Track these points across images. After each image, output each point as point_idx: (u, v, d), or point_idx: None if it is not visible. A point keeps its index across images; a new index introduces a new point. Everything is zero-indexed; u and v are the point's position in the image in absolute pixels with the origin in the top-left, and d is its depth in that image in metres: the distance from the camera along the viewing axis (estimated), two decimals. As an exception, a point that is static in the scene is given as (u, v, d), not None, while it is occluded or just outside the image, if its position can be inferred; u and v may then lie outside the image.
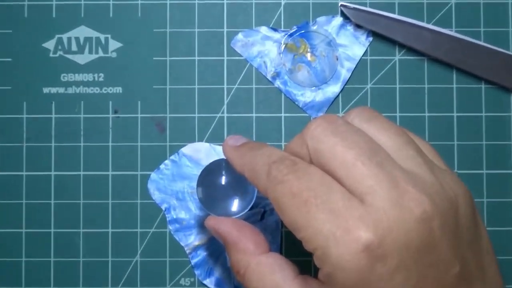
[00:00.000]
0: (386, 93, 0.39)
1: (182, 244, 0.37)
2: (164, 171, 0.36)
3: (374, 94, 0.39)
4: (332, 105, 0.40)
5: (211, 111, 0.39)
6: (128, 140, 0.39)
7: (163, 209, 0.37)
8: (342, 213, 0.19)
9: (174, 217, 0.36)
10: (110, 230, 0.38)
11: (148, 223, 0.39)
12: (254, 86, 0.39)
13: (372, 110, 0.24)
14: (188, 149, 0.37)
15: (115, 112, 0.39)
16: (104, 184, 0.38)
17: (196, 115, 0.39)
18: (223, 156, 0.32)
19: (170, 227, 0.36)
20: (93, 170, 0.39)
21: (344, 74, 0.39)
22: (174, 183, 0.36)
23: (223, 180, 0.31)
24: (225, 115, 0.39)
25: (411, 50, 0.39)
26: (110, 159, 0.39)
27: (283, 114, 0.39)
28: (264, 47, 0.39)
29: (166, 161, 0.37)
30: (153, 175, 0.37)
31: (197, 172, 0.35)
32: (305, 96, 0.39)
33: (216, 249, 0.36)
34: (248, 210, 0.32)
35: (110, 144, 0.39)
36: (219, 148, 0.36)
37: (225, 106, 0.39)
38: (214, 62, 0.39)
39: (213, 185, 0.31)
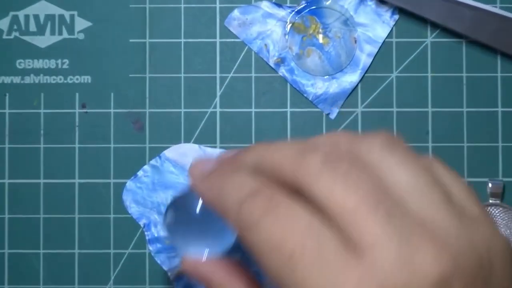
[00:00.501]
0: (415, 83, 0.36)
1: (165, 268, 0.34)
2: (143, 179, 0.34)
3: (400, 84, 0.36)
4: (349, 98, 0.36)
5: (200, 106, 0.36)
6: (98, 141, 0.35)
7: (142, 225, 0.34)
8: (337, 272, 0.16)
9: (155, 235, 0.33)
10: (76, 251, 0.35)
11: (124, 242, 0.36)
12: (253, 74, 0.36)
13: (395, 138, 0.20)
14: (172, 152, 0.34)
15: (83, 106, 0.36)
16: (69, 194, 0.36)
17: (182, 110, 0.36)
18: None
19: (150, 247, 0.34)
20: (56, 178, 0.36)
21: (364, 60, 0.36)
22: (155, 193, 0.34)
23: (200, 207, 0.25)
24: (218, 110, 0.36)
25: (446, 31, 0.36)
26: (76, 164, 0.35)
27: (288, 109, 0.36)
28: (265, 26, 0.36)
29: (145, 167, 0.34)
30: (130, 184, 0.34)
31: (184, 180, 0.33)
32: (316, 87, 0.36)
33: None
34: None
35: (77, 145, 0.36)
36: (211, 151, 0.34)
37: (217, 100, 0.36)
38: (204, 45, 0.36)
39: (186, 211, 0.25)
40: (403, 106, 0.36)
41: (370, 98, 0.37)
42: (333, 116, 0.36)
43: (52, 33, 0.36)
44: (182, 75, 0.36)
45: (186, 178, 0.34)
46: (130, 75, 0.36)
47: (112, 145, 0.36)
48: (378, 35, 0.36)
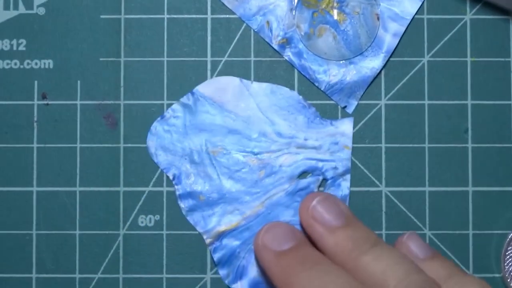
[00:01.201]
0: (451, 70, 0.31)
1: (199, 229, 0.30)
2: (172, 120, 0.30)
3: (433, 70, 0.31)
4: (370, 87, 0.31)
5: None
6: (62, 139, 0.30)
7: (171, 177, 0.30)
8: None
9: (188, 189, 0.29)
10: (34, 275, 0.30)
11: (92, 266, 0.30)
12: (252, 58, 0.31)
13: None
14: (207, 87, 0.30)
15: (43, 97, 0.31)
16: (25, 206, 0.30)
17: (165, 102, 0.31)
18: (262, 96, 0.29)
19: (182, 204, 0.29)
20: (9, 185, 0.30)
21: (389, 41, 0.31)
22: (187, 138, 0.29)
23: None
24: (209, 102, 0.31)
25: (489, 6, 0.31)
26: (34, 169, 0.30)
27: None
28: (267, 0, 0.31)
29: (175, 106, 0.30)
30: (156, 126, 0.30)
31: (222, 121, 0.29)
32: (330, 74, 0.30)
33: (252, 236, 0.29)
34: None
35: (35, 145, 0.31)
36: (257, 86, 0.30)
37: None
38: (192, 23, 0.31)
39: None
40: (437, 98, 0.30)
41: (396, 87, 0.31)
42: (350, 110, 0.31)
43: (6, 7, 0.31)
44: (165, 59, 0.31)
45: (225, 118, 0.30)
46: (101, 59, 0.31)
47: (78, 145, 0.31)
48: (406, 10, 0.31)
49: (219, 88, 0.30)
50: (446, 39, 0.31)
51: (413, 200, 0.30)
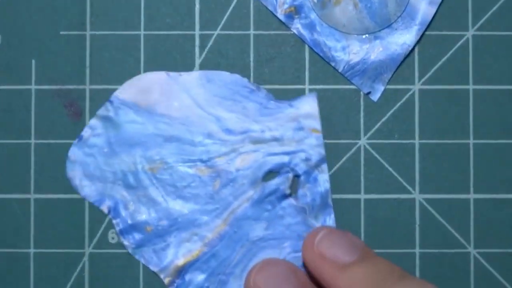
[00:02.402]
0: (502, 47, 0.27)
1: (153, 268, 0.26)
2: (92, 140, 0.27)
3: (480, 49, 0.27)
4: (400, 68, 0.27)
5: None
6: (12, 133, 0.27)
7: (106, 211, 0.27)
8: None
9: (129, 221, 0.27)
10: None
11: None
12: (252, 32, 0.27)
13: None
14: (127, 91, 0.27)
15: None
16: None
17: None
18: (197, 89, 0.27)
19: (125, 241, 0.26)
20: None
21: (424, 10, 0.27)
22: (115, 157, 0.27)
23: None
24: (197, 86, 0.28)
25: None
26: None
27: (307, 86, 0.27)
28: None
29: (92, 121, 0.27)
30: (74, 152, 0.27)
31: (155, 129, 0.27)
32: (350, 51, 0.27)
33: (221, 263, 0.27)
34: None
35: None
36: (188, 77, 0.27)
37: (197, 69, 0.27)
38: None
39: None
40: (484, 82, 0.26)
41: (433, 69, 0.26)
42: (375, 97, 0.26)
43: None
44: (142, 32, 0.27)
45: (157, 125, 0.27)
46: (61, 33, 0.27)
47: (32, 141, 0.27)
48: (446, -29, 0.27)
49: (142, 89, 0.27)
50: (495, 7, 0.26)
51: (454, 211, 0.26)
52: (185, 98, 0.27)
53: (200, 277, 0.27)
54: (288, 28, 0.26)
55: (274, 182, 0.26)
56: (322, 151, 0.26)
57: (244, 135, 0.26)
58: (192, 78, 0.27)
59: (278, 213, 0.26)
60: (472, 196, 0.26)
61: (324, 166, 0.26)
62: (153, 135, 0.27)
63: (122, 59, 0.27)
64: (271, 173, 0.26)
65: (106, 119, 0.27)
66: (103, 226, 0.26)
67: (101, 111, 0.27)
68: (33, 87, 0.27)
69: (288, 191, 0.26)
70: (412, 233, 0.26)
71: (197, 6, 0.26)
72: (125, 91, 0.27)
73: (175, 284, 0.26)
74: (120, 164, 0.27)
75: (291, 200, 0.26)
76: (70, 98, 0.27)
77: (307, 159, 0.26)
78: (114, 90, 0.27)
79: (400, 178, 0.26)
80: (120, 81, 0.27)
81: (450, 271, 0.25)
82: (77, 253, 0.26)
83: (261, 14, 0.26)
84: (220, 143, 0.26)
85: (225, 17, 0.27)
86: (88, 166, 0.27)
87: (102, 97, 0.27)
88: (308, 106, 0.26)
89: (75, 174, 0.27)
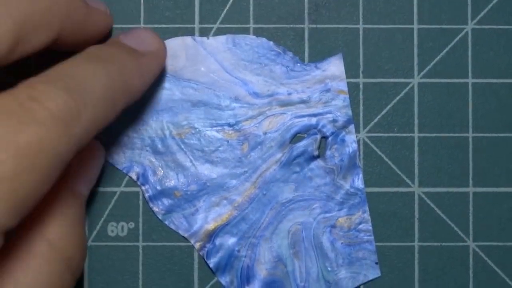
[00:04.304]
0: (502, 40, 0.26)
1: (184, 234, 0.26)
2: None
3: (480, 41, 0.26)
4: (400, 60, 0.26)
5: None
6: None
7: (135, 177, 0.26)
8: None
9: (158, 187, 0.26)
10: None
11: None
12: (251, 25, 0.26)
13: None
14: None
15: None
16: None
17: None
18: (223, 53, 0.26)
19: (155, 207, 0.26)
20: None
21: None
22: (143, 124, 0.27)
23: None
24: (197, 80, 0.28)
25: None
26: None
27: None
28: None
29: None
30: None
31: (182, 95, 0.26)
32: None
33: (251, 227, 0.27)
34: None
35: None
36: (215, 41, 0.26)
37: None
38: None
39: None
40: (484, 76, 0.26)
41: (433, 63, 0.26)
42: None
43: None
44: (142, 25, 0.26)
45: (184, 90, 0.26)
46: None
47: None
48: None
49: (168, 54, 0.26)
50: (495, 1, 0.26)
51: (454, 204, 0.25)
52: (211, 63, 0.26)
53: (230, 241, 0.26)
54: (288, 22, 0.26)
55: (302, 144, 0.26)
56: (349, 112, 0.26)
57: (271, 98, 0.26)
58: (218, 42, 0.26)
59: (307, 174, 0.26)
60: (471, 189, 0.25)
61: (352, 127, 0.26)
62: (180, 100, 0.27)
63: (121, 52, 0.26)
64: (298, 135, 0.26)
65: None
66: (103, 219, 0.25)
67: None
68: (32, 80, 0.26)
69: (316, 153, 0.26)
70: (411, 227, 0.25)
71: (197, 0, 0.26)
72: None
73: (206, 249, 0.26)
74: (148, 130, 0.27)
75: (319, 162, 0.26)
76: (70, 92, 0.26)
77: (334, 121, 0.26)
78: (114, 83, 0.26)
79: (399, 172, 0.25)
80: (120, 75, 0.26)
81: (449, 265, 0.25)
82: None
83: (261, 8, 0.26)
84: (247, 106, 0.26)
85: (225, 11, 0.26)
86: (118, 131, 0.26)
87: (102, 91, 0.26)
88: (335, 67, 0.26)
89: (105, 139, 0.26)
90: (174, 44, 0.26)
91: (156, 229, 0.25)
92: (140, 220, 0.25)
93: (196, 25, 0.26)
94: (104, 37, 0.24)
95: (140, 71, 0.22)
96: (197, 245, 0.26)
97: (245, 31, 0.26)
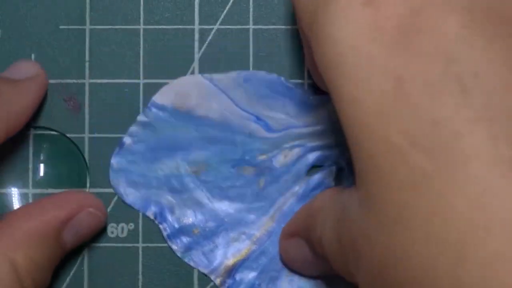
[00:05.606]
0: None
1: (205, 270, 0.27)
2: (134, 147, 0.27)
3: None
4: None
5: (169, 75, 0.28)
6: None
7: (152, 216, 0.27)
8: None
9: (176, 225, 0.27)
10: None
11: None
12: (251, 26, 0.28)
13: None
14: (165, 95, 0.27)
15: None
16: None
17: (141, 81, 0.28)
18: (234, 89, 0.27)
19: (174, 246, 0.27)
20: None
21: None
22: (158, 163, 0.27)
23: None
24: (197, 81, 0.29)
25: None
26: None
27: (306, 81, 0.28)
28: None
29: (132, 128, 0.27)
30: (117, 161, 0.27)
31: (196, 132, 0.28)
32: None
33: (270, 261, 0.27)
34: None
35: None
36: (225, 78, 0.27)
37: (195, 65, 0.28)
38: None
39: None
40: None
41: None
42: None
43: None
44: (141, 27, 0.27)
45: (198, 128, 0.27)
46: (61, 27, 0.28)
47: (31, 133, 0.27)
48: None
49: (179, 93, 0.27)
50: None
51: None
52: (223, 99, 0.27)
53: (251, 275, 0.27)
54: (288, 23, 0.27)
55: (318, 176, 0.27)
56: None
57: (285, 132, 0.27)
58: (229, 78, 0.27)
59: None
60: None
61: None
62: (194, 138, 0.27)
63: (121, 53, 0.27)
64: (315, 167, 0.27)
65: (145, 125, 0.27)
66: None
67: (140, 117, 0.27)
68: (32, 81, 0.27)
69: (333, 184, 0.27)
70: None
71: (197, 1, 0.27)
72: (163, 96, 0.27)
73: (227, 284, 0.27)
74: (163, 168, 0.28)
75: None
76: (70, 92, 0.27)
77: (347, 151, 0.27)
78: (114, 84, 0.27)
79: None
80: (120, 76, 0.27)
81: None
82: (76, 247, 0.26)
83: (260, 9, 0.27)
84: (262, 141, 0.27)
85: (225, 12, 0.27)
86: (132, 173, 0.27)
87: (101, 91, 0.27)
88: None
89: (119, 182, 0.27)
90: (184, 82, 0.27)
91: (156, 230, 0.26)
92: (140, 221, 0.26)
93: (196, 26, 0.27)
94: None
95: (19, 96, 0.24)
96: (217, 281, 0.27)
97: (245, 32, 0.27)
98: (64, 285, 0.26)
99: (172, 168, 0.27)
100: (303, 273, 0.26)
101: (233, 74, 0.27)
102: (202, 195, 0.27)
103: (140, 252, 0.26)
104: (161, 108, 0.27)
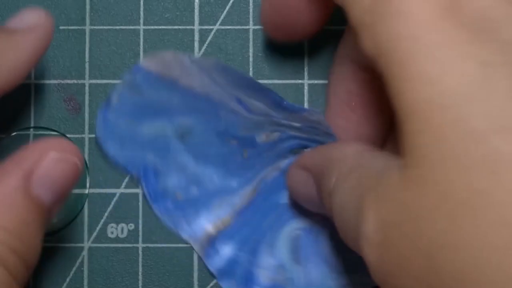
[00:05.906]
0: None
1: (185, 236, 0.27)
2: (120, 106, 0.27)
3: None
4: None
5: None
6: (13, 128, 0.28)
7: (135, 176, 0.27)
8: None
9: (160, 188, 0.27)
10: None
11: None
12: (251, 27, 0.28)
13: None
14: (152, 61, 0.27)
15: None
16: None
17: None
18: (215, 72, 0.26)
19: (156, 209, 0.27)
20: None
21: None
22: (144, 124, 0.27)
23: None
24: (197, 81, 0.29)
25: None
26: None
27: (306, 81, 0.28)
28: None
29: (120, 87, 0.27)
30: (104, 114, 0.27)
31: (182, 100, 0.27)
32: None
33: (251, 232, 0.27)
34: None
35: None
36: (206, 62, 0.27)
37: None
38: None
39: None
40: None
41: None
42: None
43: None
44: (141, 27, 0.28)
45: (183, 96, 0.27)
46: (60, 27, 0.28)
47: (31, 133, 0.27)
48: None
49: (164, 62, 0.27)
50: None
51: None
52: (205, 77, 0.27)
53: (231, 245, 0.27)
54: None
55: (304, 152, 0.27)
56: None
57: (266, 117, 0.26)
58: (210, 63, 0.27)
59: None
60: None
61: None
62: (179, 105, 0.27)
63: (121, 54, 0.27)
64: (296, 150, 0.27)
65: (132, 85, 0.27)
66: (102, 220, 0.26)
67: (127, 77, 0.27)
68: (32, 81, 0.27)
69: None
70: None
71: (197, 1, 0.27)
72: (150, 61, 0.27)
73: (207, 252, 0.27)
74: (150, 129, 0.27)
75: None
76: (70, 93, 0.27)
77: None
78: (114, 84, 0.27)
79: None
80: (120, 76, 0.27)
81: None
82: (76, 247, 0.26)
83: (260, 9, 0.27)
84: (244, 119, 0.27)
85: (224, 12, 0.27)
86: (118, 131, 0.27)
87: (101, 92, 0.27)
88: (319, 116, 0.26)
89: (105, 135, 0.27)
90: (169, 55, 0.27)
91: (156, 230, 0.26)
92: (140, 221, 0.26)
93: (196, 27, 0.27)
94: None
95: (12, 48, 0.22)
96: (197, 248, 0.27)
97: (245, 32, 0.27)
98: (64, 285, 0.26)
99: (158, 129, 0.27)
100: (302, 204, 0.26)
101: (212, 60, 0.27)
102: (187, 159, 0.27)
103: (140, 252, 0.26)
104: (147, 72, 0.27)
